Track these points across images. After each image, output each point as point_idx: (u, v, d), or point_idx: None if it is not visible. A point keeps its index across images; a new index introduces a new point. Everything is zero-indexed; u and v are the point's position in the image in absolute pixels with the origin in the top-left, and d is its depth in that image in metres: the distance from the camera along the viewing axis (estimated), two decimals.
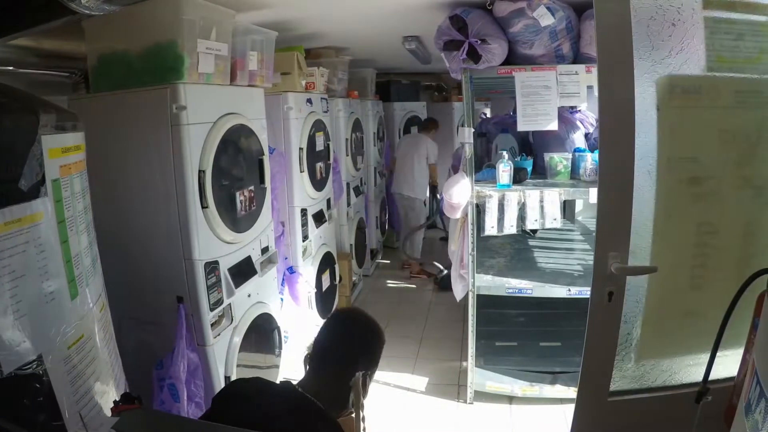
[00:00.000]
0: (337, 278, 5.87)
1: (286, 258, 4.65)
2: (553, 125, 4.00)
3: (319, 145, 5.21)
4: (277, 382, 2.41)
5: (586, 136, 5.08)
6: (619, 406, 2.66)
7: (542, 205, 4.06)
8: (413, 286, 7.48)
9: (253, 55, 3.67)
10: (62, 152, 1.85)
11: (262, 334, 3.78)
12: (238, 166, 3.50)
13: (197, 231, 3.07)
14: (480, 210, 4.23)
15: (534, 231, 5.66)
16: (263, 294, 3.81)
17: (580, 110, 5.55)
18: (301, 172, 4.83)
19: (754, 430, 1.28)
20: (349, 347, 2.23)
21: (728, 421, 1.79)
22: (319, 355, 2.26)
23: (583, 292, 4.05)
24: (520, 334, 5.12)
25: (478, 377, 4.40)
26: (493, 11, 3.78)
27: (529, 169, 4.50)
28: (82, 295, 1.93)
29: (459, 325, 5.77)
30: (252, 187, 3.62)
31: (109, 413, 1.92)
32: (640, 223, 2.47)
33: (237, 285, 3.41)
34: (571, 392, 4.05)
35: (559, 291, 4.23)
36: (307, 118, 4.92)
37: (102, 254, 2.28)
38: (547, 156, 4.59)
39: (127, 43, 3.05)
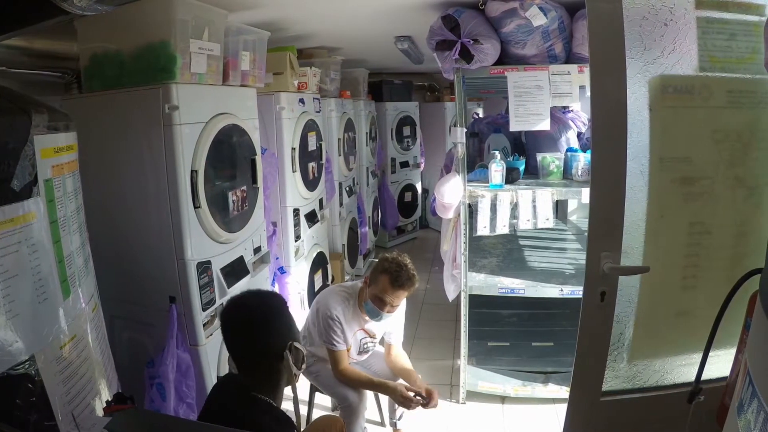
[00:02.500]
0: (330, 278, 5.86)
1: (277, 258, 4.64)
2: (546, 125, 4.00)
3: (312, 145, 5.21)
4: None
5: (579, 135, 5.09)
6: (612, 406, 2.66)
7: (534, 205, 4.06)
8: None
9: (246, 55, 3.67)
10: (54, 152, 1.84)
11: None
12: (231, 166, 3.50)
13: (189, 231, 3.06)
14: (472, 210, 4.23)
15: None
16: None
17: (572, 110, 5.55)
18: (293, 172, 4.83)
19: (747, 430, 1.28)
20: (263, 341, 2.25)
21: (720, 421, 1.80)
22: (239, 357, 2.32)
23: (576, 292, 4.06)
24: (513, 334, 5.13)
25: (471, 377, 4.40)
26: (486, 11, 3.78)
27: (522, 169, 4.50)
28: (74, 294, 1.93)
29: (451, 325, 5.77)
30: (244, 187, 3.62)
31: (101, 413, 1.92)
32: (632, 223, 2.48)
33: (229, 285, 3.40)
34: (564, 392, 4.06)
35: (551, 291, 4.24)
36: (300, 118, 4.92)
37: (94, 254, 2.28)
38: (539, 156, 4.60)
39: (119, 43, 3.04)
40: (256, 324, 2.26)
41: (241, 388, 2.26)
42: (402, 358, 3.76)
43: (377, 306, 3.37)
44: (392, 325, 3.70)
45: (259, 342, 2.25)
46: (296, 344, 2.27)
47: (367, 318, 3.51)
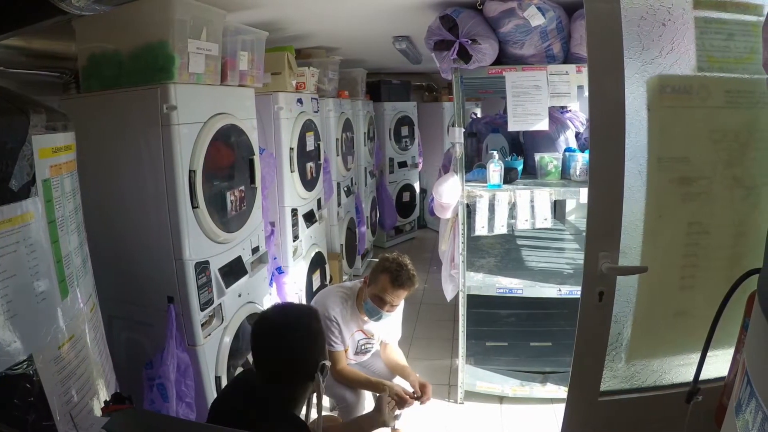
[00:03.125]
0: (328, 278, 5.86)
1: (275, 258, 4.64)
2: (544, 125, 4.00)
3: (310, 145, 5.20)
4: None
5: (577, 135, 5.09)
6: (610, 406, 2.66)
7: (533, 205, 4.06)
8: None
9: (244, 55, 3.67)
10: (53, 152, 1.84)
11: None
12: (229, 166, 3.49)
13: (188, 231, 3.06)
14: (470, 210, 4.23)
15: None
16: (254, 294, 3.80)
17: (570, 110, 5.56)
18: (291, 172, 4.82)
19: (745, 430, 1.28)
20: (296, 364, 2.27)
21: (719, 421, 1.80)
22: (269, 367, 2.34)
23: (574, 292, 4.06)
24: (511, 334, 5.13)
25: (469, 377, 4.41)
26: (484, 11, 3.79)
27: (520, 169, 4.50)
28: (72, 295, 1.92)
29: (450, 324, 5.78)
30: (242, 187, 3.62)
31: (99, 413, 1.92)
32: (630, 222, 2.48)
33: (227, 285, 3.40)
34: (562, 392, 4.06)
35: (549, 291, 4.24)
36: (298, 118, 4.91)
37: (92, 254, 2.27)
38: (537, 156, 4.60)
39: (117, 43, 3.04)
40: (291, 349, 2.26)
41: (259, 394, 2.29)
42: (397, 355, 3.80)
43: (377, 305, 3.39)
44: (390, 325, 3.70)
45: (292, 365, 2.27)
46: (326, 363, 2.28)
47: (365, 318, 3.52)
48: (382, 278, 3.38)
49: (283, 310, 2.54)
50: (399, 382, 3.58)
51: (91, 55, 3.11)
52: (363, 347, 3.69)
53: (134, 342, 3.20)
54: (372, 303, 3.41)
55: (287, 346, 2.26)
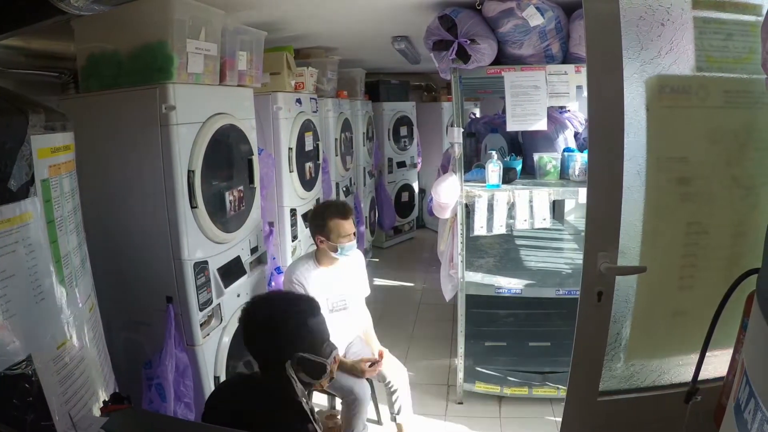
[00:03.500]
0: None
1: (274, 258, 4.64)
2: (542, 125, 4.00)
3: (309, 145, 5.19)
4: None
5: (576, 135, 5.08)
6: (609, 406, 2.66)
7: (531, 205, 4.06)
8: (406, 284, 7.48)
9: (243, 55, 3.67)
10: (51, 152, 1.84)
11: None
12: (228, 166, 3.49)
13: (186, 231, 3.06)
14: (469, 210, 4.23)
15: None
16: (253, 294, 3.79)
17: (569, 110, 5.55)
18: (290, 172, 4.82)
19: (744, 430, 1.28)
20: (263, 347, 2.32)
21: (718, 421, 1.80)
22: (254, 359, 2.39)
23: (573, 292, 4.05)
24: (510, 334, 5.13)
25: (468, 377, 4.40)
26: (483, 11, 3.79)
27: (519, 169, 4.50)
28: (71, 294, 1.92)
29: (448, 324, 5.78)
30: (241, 187, 3.62)
31: (98, 413, 1.92)
32: (629, 223, 2.47)
33: (226, 285, 3.40)
34: (561, 392, 4.06)
35: (548, 291, 4.24)
36: (297, 118, 4.91)
37: (91, 254, 2.27)
38: (536, 156, 4.59)
39: (116, 43, 3.04)
40: (265, 328, 2.29)
41: (260, 385, 2.33)
42: (365, 320, 4.04)
43: (344, 243, 3.64)
44: (357, 279, 3.92)
45: (269, 346, 2.28)
46: (307, 356, 2.26)
47: (330, 269, 3.75)
48: (331, 223, 3.61)
49: (278, 293, 2.56)
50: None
51: (90, 55, 3.11)
52: (337, 304, 3.79)
53: (133, 342, 3.20)
54: (340, 244, 3.62)
55: (260, 330, 2.31)
